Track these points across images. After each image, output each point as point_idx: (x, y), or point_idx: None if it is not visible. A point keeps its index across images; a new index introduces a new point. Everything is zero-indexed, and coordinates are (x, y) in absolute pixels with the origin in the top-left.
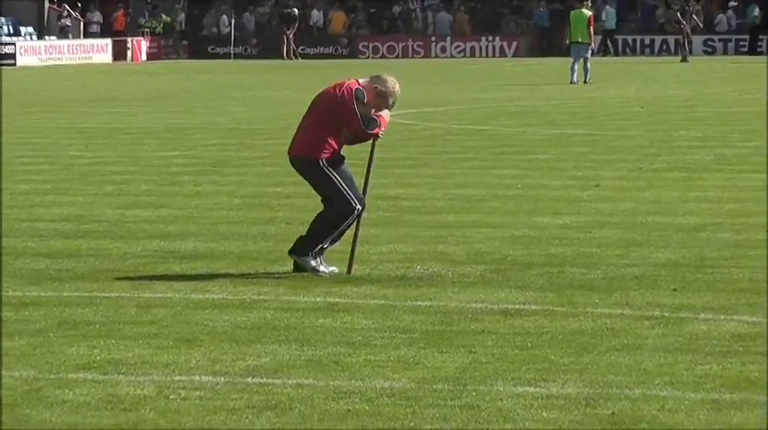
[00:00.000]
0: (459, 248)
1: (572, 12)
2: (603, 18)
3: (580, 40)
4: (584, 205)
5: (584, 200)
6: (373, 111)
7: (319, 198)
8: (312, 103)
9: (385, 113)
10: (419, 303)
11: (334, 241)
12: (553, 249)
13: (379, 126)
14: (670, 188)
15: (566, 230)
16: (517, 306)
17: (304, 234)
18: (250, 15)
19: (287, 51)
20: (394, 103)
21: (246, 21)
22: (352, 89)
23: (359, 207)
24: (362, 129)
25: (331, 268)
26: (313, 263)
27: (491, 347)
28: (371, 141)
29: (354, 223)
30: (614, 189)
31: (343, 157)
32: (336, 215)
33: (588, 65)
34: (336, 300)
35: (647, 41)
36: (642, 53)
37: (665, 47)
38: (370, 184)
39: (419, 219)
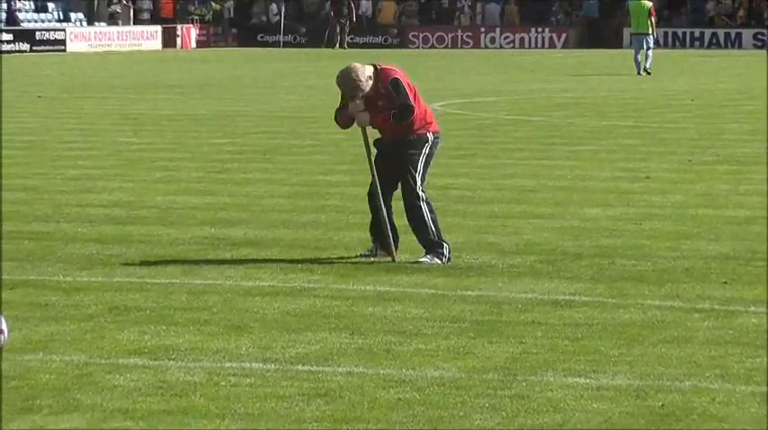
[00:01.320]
0: (509, 239)
1: (631, 3)
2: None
3: (641, 31)
4: (635, 197)
5: (635, 191)
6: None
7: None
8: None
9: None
10: (469, 293)
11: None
12: (603, 241)
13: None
14: (720, 181)
15: (616, 222)
16: (567, 297)
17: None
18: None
19: (341, 40)
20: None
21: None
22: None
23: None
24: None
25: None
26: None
27: (541, 338)
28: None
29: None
30: (664, 181)
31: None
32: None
33: (650, 53)
34: (387, 288)
35: (696, 34)
36: (692, 46)
37: (714, 40)
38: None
39: (468, 209)
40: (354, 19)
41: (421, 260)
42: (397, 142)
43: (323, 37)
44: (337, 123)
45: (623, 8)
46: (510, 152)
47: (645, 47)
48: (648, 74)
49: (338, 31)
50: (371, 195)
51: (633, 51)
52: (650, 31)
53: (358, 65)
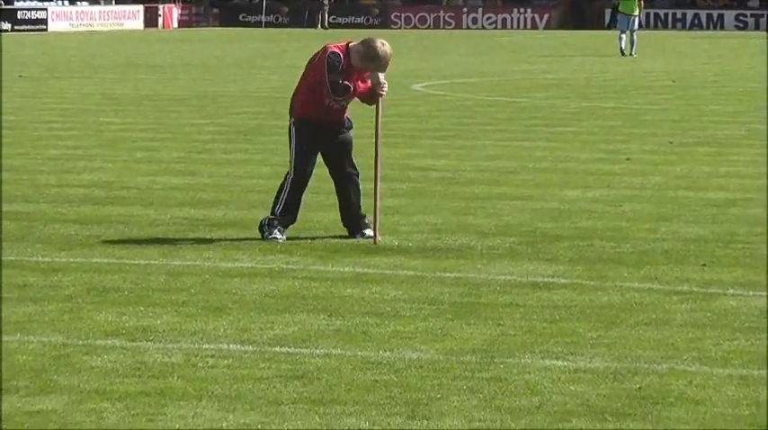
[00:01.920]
0: (489, 220)
1: None
2: None
3: (627, 11)
4: (615, 179)
5: (615, 173)
6: (360, 73)
7: (345, 168)
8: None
9: (380, 77)
10: (448, 275)
11: (283, 211)
12: (583, 223)
13: (350, 94)
14: (701, 163)
15: (595, 204)
16: (546, 279)
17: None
18: None
19: (322, 20)
20: (385, 65)
21: None
22: (327, 53)
23: (291, 176)
24: (332, 94)
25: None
26: (274, 233)
27: (519, 320)
28: (377, 103)
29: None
30: (645, 163)
31: (328, 127)
32: (284, 180)
33: (635, 37)
34: (365, 270)
35: (678, 15)
36: (674, 27)
37: (696, 21)
38: (380, 148)
39: (449, 191)
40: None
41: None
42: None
43: (304, 17)
44: (346, 96)
45: None
46: (491, 133)
47: (630, 27)
48: (631, 55)
49: (319, 11)
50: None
51: (618, 31)
52: (637, 12)
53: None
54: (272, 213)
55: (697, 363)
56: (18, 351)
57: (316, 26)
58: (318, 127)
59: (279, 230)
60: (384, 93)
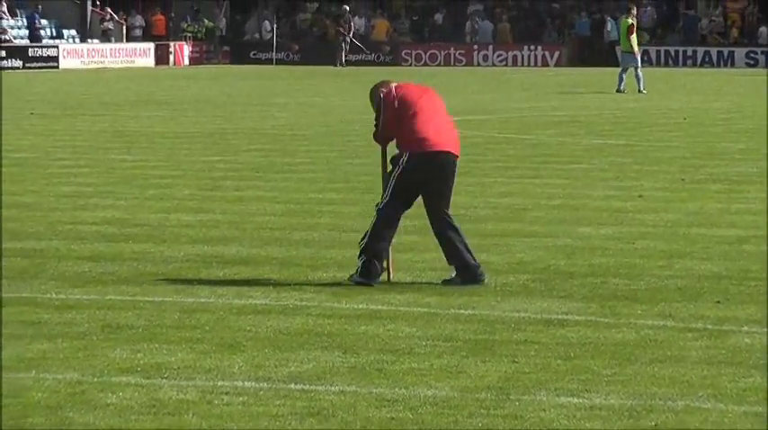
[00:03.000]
0: (502, 257)
1: (621, 20)
2: (609, 29)
3: (623, 49)
4: (627, 216)
5: (627, 210)
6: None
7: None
8: (433, 101)
9: None
10: (462, 312)
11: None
12: (596, 260)
13: None
14: (713, 200)
15: (608, 241)
16: (560, 316)
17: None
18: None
19: (340, 57)
20: None
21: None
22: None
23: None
24: None
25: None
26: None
27: (534, 357)
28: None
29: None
30: (657, 200)
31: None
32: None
33: (639, 73)
34: (379, 307)
35: (689, 53)
36: (684, 64)
37: (707, 58)
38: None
39: (462, 228)
40: (352, 32)
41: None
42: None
43: (316, 54)
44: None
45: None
46: (502, 170)
47: (631, 65)
48: (640, 92)
49: (341, 48)
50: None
51: (619, 70)
52: (630, 49)
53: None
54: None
55: (712, 401)
56: (33, 388)
57: (335, 63)
58: None
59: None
60: None
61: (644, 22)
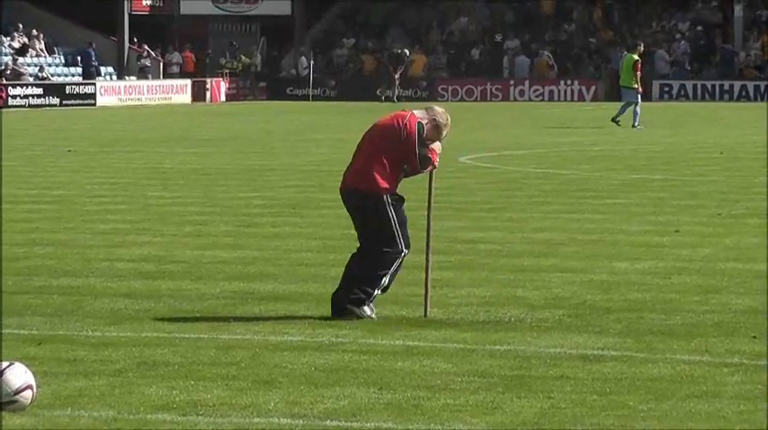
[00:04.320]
0: (538, 293)
1: (624, 56)
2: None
3: (625, 84)
4: (664, 251)
5: (664, 245)
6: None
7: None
8: (369, 134)
9: (436, 146)
10: (498, 347)
11: (387, 287)
12: (632, 295)
13: (432, 162)
14: (750, 234)
15: (645, 276)
16: (596, 351)
17: (344, 285)
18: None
19: (394, 93)
20: (447, 134)
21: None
22: (414, 124)
23: (406, 251)
24: (418, 168)
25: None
26: (368, 310)
27: (570, 393)
28: (429, 174)
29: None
30: (693, 235)
31: (402, 198)
32: (387, 257)
33: (637, 109)
34: (415, 343)
35: (725, 87)
36: (721, 98)
37: (743, 92)
38: (432, 219)
39: (497, 263)
40: (402, 70)
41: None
42: None
43: (352, 90)
44: (426, 167)
45: (650, 61)
46: (539, 205)
47: (633, 100)
48: (634, 127)
49: (394, 83)
50: (405, 256)
51: (622, 103)
52: (634, 85)
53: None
54: (375, 289)
55: None
56: (69, 426)
57: (391, 100)
58: (399, 196)
59: (371, 308)
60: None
61: (678, 55)
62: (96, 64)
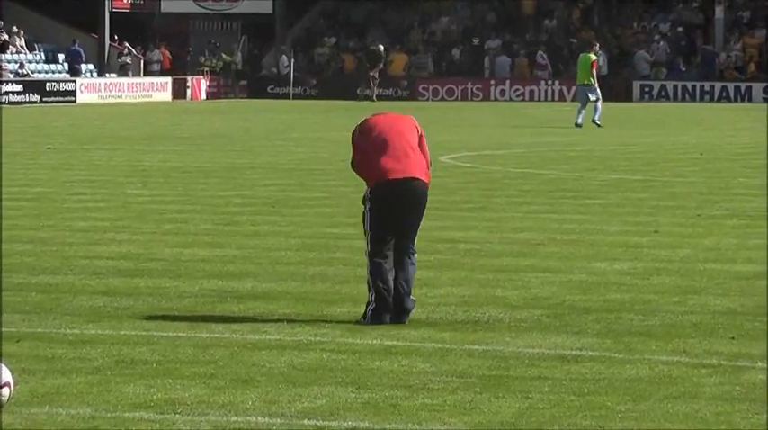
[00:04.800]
0: (517, 293)
1: (581, 55)
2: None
3: (585, 83)
4: (643, 251)
5: (643, 246)
6: None
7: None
8: (390, 128)
9: None
10: (476, 347)
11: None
12: (611, 295)
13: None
14: (729, 235)
15: (623, 276)
16: (574, 352)
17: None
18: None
19: (373, 92)
20: None
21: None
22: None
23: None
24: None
25: None
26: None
27: (547, 393)
28: None
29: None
30: (673, 235)
31: None
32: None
33: (598, 104)
34: (393, 342)
35: (706, 88)
36: (701, 99)
37: (724, 93)
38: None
39: (477, 263)
40: (380, 69)
41: None
42: None
43: (333, 89)
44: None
45: (632, 63)
46: (519, 205)
47: (589, 99)
48: (599, 126)
49: (371, 82)
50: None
51: (579, 103)
52: (592, 83)
53: None
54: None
55: None
56: (47, 423)
57: (370, 98)
58: None
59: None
60: None
61: (658, 56)
62: (83, 62)
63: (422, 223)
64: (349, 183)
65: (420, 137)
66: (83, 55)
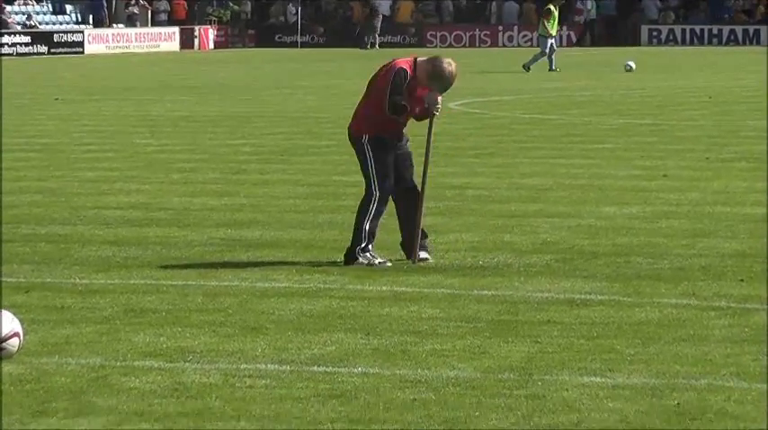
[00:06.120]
0: (526, 238)
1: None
2: (590, 8)
3: (540, 33)
4: (651, 195)
5: (651, 190)
6: (422, 89)
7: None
8: (371, 81)
9: (435, 96)
10: (485, 292)
11: (371, 234)
12: (620, 239)
13: (406, 114)
14: (737, 178)
15: (632, 220)
16: (583, 296)
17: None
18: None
19: (370, 40)
20: (448, 86)
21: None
22: (392, 72)
23: (377, 194)
24: (388, 114)
25: (383, 260)
26: (364, 260)
27: (557, 337)
28: (429, 122)
29: (382, 212)
30: (681, 179)
31: (395, 142)
32: (362, 202)
33: (553, 56)
34: (403, 289)
35: (714, 31)
36: (710, 43)
37: (732, 36)
38: (429, 167)
39: (485, 209)
40: (380, 21)
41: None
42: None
43: (341, 37)
44: (401, 117)
45: (640, 7)
46: (527, 151)
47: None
48: (527, 71)
49: (371, 31)
50: (376, 200)
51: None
52: (545, 33)
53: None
54: (357, 246)
55: (735, 379)
56: (56, 373)
57: (368, 46)
58: (390, 143)
59: (373, 255)
60: (438, 113)
61: (669, 1)
62: (105, 14)
63: (371, 170)
64: None
65: (384, 85)
66: (104, 4)
